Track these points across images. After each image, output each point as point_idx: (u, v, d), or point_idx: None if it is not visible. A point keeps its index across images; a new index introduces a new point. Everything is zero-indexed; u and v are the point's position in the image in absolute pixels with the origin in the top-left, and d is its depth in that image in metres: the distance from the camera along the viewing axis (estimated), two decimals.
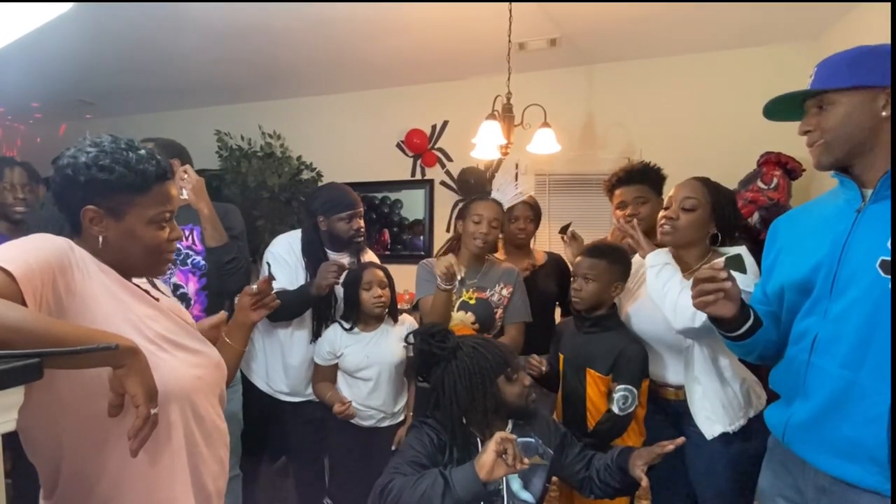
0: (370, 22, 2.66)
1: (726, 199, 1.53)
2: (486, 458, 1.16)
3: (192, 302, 1.84)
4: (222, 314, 1.27)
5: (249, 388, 2.00)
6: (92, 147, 0.92)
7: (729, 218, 1.52)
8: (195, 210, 1.80)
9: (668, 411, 1.62)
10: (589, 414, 1.61)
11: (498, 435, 1.18)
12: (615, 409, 1.52)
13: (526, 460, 1.17)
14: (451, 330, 1.48)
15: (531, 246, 2.35)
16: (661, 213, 1.55)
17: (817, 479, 1.04)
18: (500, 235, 2.36)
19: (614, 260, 1.61)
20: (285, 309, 1.86)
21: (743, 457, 1.46)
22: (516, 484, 1.35)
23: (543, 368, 1.68)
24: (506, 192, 1.92)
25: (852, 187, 1.06)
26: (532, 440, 1.41)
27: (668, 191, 1.61)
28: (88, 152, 0.91)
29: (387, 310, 1.90)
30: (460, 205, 1.96)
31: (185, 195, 1.77)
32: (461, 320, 1.83)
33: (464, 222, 1.91)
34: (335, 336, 1.87)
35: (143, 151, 0.95)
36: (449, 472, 1.21)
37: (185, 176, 1.77)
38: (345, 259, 1.99)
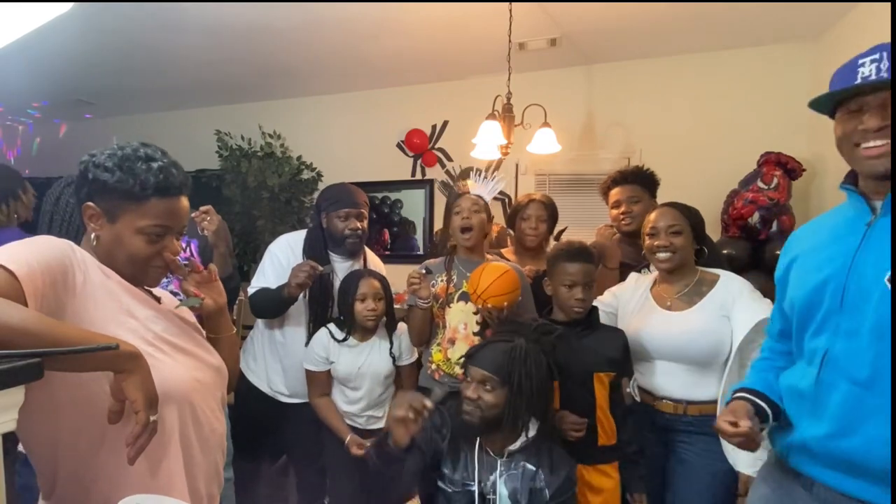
0: (370, 22, 2.66)
1: (698, 217, 1.68)
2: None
3: None
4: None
5: (250, 389, 1.99)
6: (111, 149, 0.94)
7: (703, 233, 1.70)
8: (191, 222, 1.82)
9: (659, 424, 1.61)
10: (599, 424, 1.54)
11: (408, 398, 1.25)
12: (637, 397, 1.53)
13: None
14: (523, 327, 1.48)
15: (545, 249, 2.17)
16: (655, 244, 1.62)
17: (820, 491, 1.02)
18: (510, 233, 2.33)
19: (593, 260, 1.66)
20: (264, 308, 1.91)
21: (733, 486, 1.49)
22: None
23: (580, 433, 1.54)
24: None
25: (861, 201, 1.02)
26: (532, 468, 1.39)
27: (662, 195, 1.64)
28: (103, 153, 0.93)
29: (381, 321, 1.87)
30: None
31: (206, 233, 1.83)
32: (462, 311, 1.81)
33: (451, 218, 1.90)
34: (328, 341, 1.84)
35: (158, 163, 0.93)
36: None
37: (209, 218, 1.80)
38: (346, 262, 1.99)
